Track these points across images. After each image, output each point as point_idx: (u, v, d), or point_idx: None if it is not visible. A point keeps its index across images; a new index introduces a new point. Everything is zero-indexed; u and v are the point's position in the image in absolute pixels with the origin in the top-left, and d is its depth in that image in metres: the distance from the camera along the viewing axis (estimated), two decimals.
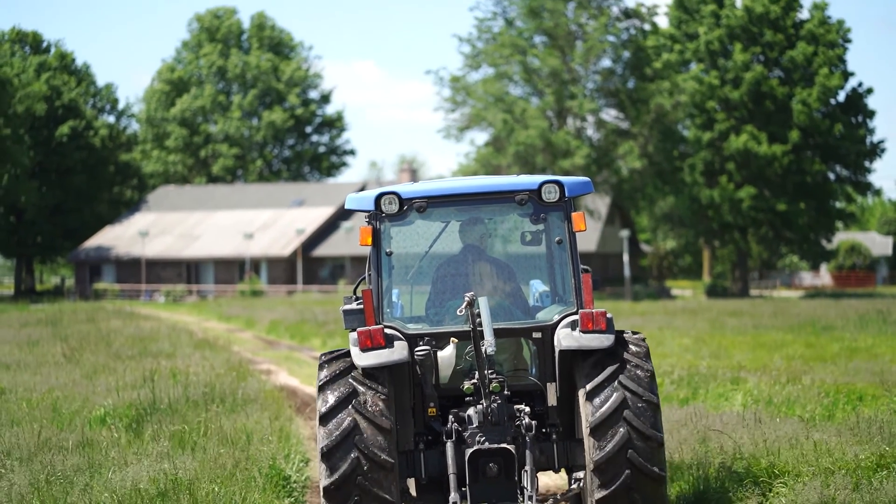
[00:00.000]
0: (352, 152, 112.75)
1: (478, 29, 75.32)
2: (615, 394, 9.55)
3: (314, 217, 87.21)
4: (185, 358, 24.16)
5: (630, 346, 9.91)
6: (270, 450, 13.76)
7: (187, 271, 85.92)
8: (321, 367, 9.90)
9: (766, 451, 12.22)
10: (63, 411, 16.51)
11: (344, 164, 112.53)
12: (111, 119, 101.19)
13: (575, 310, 10.11)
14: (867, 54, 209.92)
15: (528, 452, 9.66)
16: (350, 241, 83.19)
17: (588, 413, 9.56)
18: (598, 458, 9.43)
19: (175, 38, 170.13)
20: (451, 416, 9.97)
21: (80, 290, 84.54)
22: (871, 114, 77.13)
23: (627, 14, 74.84)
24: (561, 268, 10.41)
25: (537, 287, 10.66)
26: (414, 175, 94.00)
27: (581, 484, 9.92)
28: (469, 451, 9.60)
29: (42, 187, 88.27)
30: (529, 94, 74.36)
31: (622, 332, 10.14)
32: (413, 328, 10.21)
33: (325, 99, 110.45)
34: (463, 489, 9.60)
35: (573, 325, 9.88)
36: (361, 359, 9.66)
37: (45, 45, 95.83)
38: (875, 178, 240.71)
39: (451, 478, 9.58)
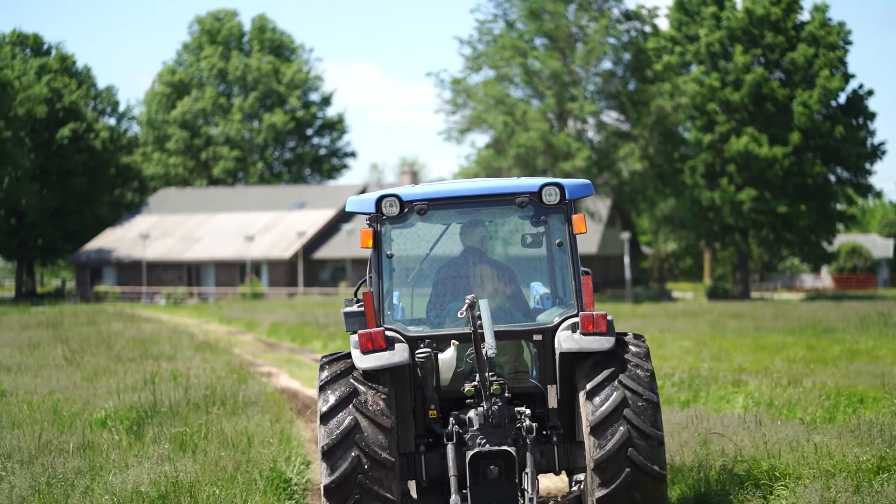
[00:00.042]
0: (352, 154, 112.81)
1: (478, 31, 75.41)
2: (615, 393, 9.57)
3: (315, 219, 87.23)
4: (185, 360, 24.17)
5: (630, 347, 9.93)
6: (271, 452, 13.77)
7: (188, 274, 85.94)
8: (322, 368, 9.92)
9: (767, 454, 12.22)
10: (64, 414, 16.51)
11: (345, 166, 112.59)
12: (112, 121, 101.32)
13: (575, 312, 10.12)
14: (868, 56, 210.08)
15: (528, 455, 9.66)
16: (351, 244, 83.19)
17: (588, 412, 9.57)
18: (599, 457, 9.44)
19: (176, 41, 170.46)
20: (451, 419, 9.98)
21: (81, 293, 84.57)
22: (871, 116, 77.11)
23: (628, 16, 74.89)
24: (561, 270, 10.42)
25: (538, 289, 10.66)
26: (415, 177, 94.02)
27: (582, 486, 9.92)
28: (470, 454, 9.60)
29: (43, 190, 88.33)
30: (530, 97, 74.41)
31: (623, 334, 10.14)
32: (414, 330, 10.22)
33: (326, 101, 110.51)
34: (464, 491, 9.60)
35: (574, 328, 9.89)
36: (362, 361, 9.67)
37: (45, 47, 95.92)
38: (876, 181, 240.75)
39: (452, 480, 9.58)
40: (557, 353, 9.93)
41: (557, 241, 10.37)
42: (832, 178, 77.15)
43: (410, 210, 10.26)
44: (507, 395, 9.87)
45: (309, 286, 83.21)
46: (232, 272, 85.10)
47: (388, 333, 9.89)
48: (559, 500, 10.25)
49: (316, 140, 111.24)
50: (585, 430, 9.59)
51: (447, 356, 10.14)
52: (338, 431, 9.46)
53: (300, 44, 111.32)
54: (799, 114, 73.53)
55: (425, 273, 10.64)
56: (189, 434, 14.43)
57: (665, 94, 71.70)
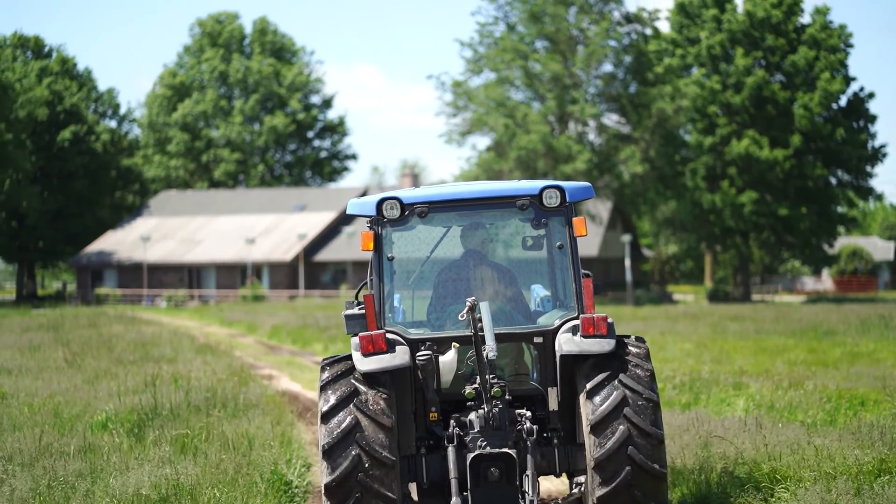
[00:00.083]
0: (353, 157, 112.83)
1: (479, 34, 75.43)
2: (615, 392, 9.59)
3: (316, 222, 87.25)
4: (186, 363, 24.17)
5: (630, 348, 9.96)
6: (272, 455, 13.77)
7: (189, 276, 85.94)
8: (323, 369, 9.94)
9: (768, 456, 12.22)
10: (64, 416, 16.53)
11: (346, 168, 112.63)
12: (113, 124, 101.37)
13: (576, 314, 10.14)
14: (869, 59, 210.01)
15: (529, 457, 9.67)
16: (352, 246, 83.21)
17: (588, 411, 9.59)
18: (599, 456, 9.46)
19: (177, 43, 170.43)
20: (452, 421, 9.99)
21: (82, 295, 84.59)
22: (872, 118, 77.13)
23: (629, 19, 74.91)
24: (562, 272, 10.43)
25: (538, 292, 10.67)
26: (415, 180, 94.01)
27: (582, 488, 9.93)
28: (470, 456, 9.61)
29: (44, 192, 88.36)
30: (531, 99, 74.43)
31: (623, 336, 10.15)
32: (415, 333, 10.22)
33: (327, 104, 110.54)
34: (464, 494, 9.61)
35: (574, 330, 9.90)
36: (363, 363, 9.68)
37: (46, 49, 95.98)
38: (877, 183, 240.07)
39: (453, 482, 9.59)
40: (558, 355, 9.94)
41: (558, 243, 10.38)
42: (833, 180, 77.17)
43: (411, 213, 10.27)
44: (507, 397, 9.88)
45: (310, 289, 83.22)
46: (233, 275, 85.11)
47: (389, 336, 9.90)
48: (560, 502, 10.25)
49: (317, 142, 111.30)
50: (585, 428, 9.60)
51: (448, 359, 10.15)
52: (338, 430, 9.47)
53: (301, 46, 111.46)
54: (800, 116, 73.55)
55: (426, 276, 10.64)
56: (190, 437, 14.43)
57: (666, 96, 71.71)
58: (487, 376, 9.62)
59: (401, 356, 9.75)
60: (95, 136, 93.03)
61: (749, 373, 21.60)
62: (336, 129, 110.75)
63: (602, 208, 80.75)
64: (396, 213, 10.23)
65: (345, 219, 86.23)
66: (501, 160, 70.95)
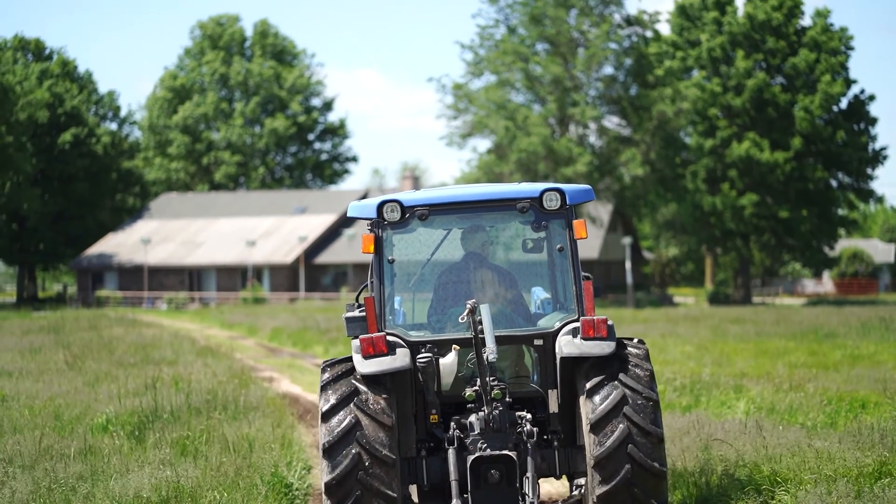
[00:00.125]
0: (354, 159, 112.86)
1: (480, 36, 75.45)
2: (615, 391, 9.62)
3: (316, 224, 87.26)
4: (187, 365, 24.16)
5: (629, 349, 10.00)
6: (272, 457, 13.77)
7: (189, 278, 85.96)
8: (324, 370, 9.97)
9: (768, 459, 12.23)
10: (65, 418, 16.53)
11: (346, 171, 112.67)
12: (113, 126, 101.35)
13: (576, 317, 10.16)
14: (869, 61, 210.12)
15: (529, 459, 9.68)
16: (352, 249, 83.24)
17: (588, 410, 9.62)
18: (599, 454, 9.47)
19: (178, 46, 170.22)
20: (452, 423, 10.01)
21: (83, 298, 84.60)
22: (873, 121, 77.15)
23: (629, 21, 74.93)
24: (562, 275, 10.45)
25: (539, 294, 10.69)
26: (416, 182, 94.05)
27: (582, 490, 9.94)
28: (471, 458, 9.63)
29: (44, 195, 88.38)
30: (531, 102, 74.45)
31: (623, 338, 10.17)
32: (415, 335, 10.24)
33: (328, 106, 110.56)
34: (465, 496, 9.62)
35: (574, 333, 9.92)
36: (364, 366, 9.69)
37: (47, 52, 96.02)
38: (877, 186, 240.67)
39: (453, 484, 9.61)
40: (558, 357, 9.96)
41: (558, 246, 10.40)
42: (833, 183, 77.19)
43: (412, 215, 10.28)
44: (507, 399, 9.90)
45: (310, 291, 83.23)
46: (233, 277, 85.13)
47: (390, 338, 9.92)
48: None
49: (317, 145, 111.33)
50: (585, 427, 9.62)
51: (448, 361, 10.16)
52: (339, 429, 9.49)
53: (302, 49, 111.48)
54: (800, 119, 73.56)
55: (426, 278, 10.66)
56: (190, 439, 14.44)
57: (666, 99, 71.72)
58: (488, 378, 9.64)
59: (401, 358, 9.77)
60: (96, 138, 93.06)
61: (749, 375, 21.60)
62: (337, 132, 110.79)
63: (602, 211, 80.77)
64: (397, 215, 10.24)
65: (345, 221, 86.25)
66: (502, 163, 70.97)
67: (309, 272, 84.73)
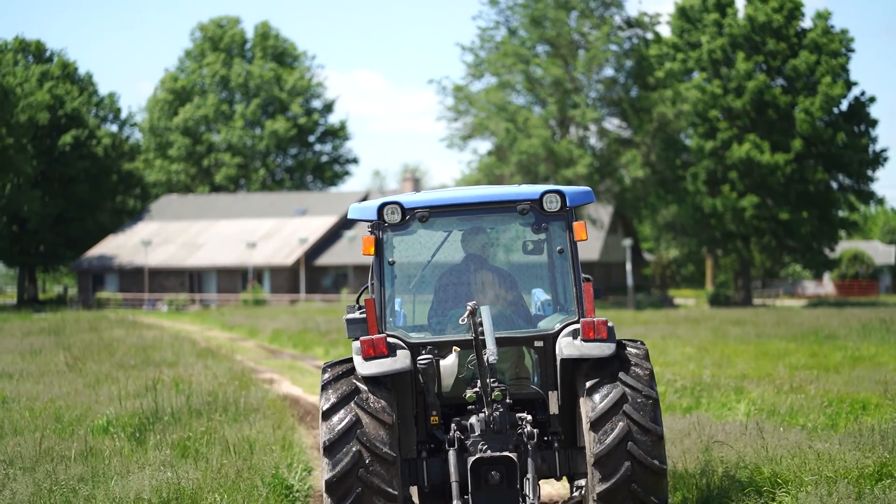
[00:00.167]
0: (355, 161, 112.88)
1: (480, 38, 75.47)
2: (615, 389, 9.64)
3: (317, 226, 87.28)
4: (187, 367, 24.17)
5: (629, 349, 10.02)
6: (273, 459, 13.78)
7: (190, 280, 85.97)
8: (324, 371, 9.99)
9: (769, 460, 12.23)
10: (65, 420, 16.53)
11: (347, 173, 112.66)
12: (114, 128, 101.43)
13: (576, 318, 10.17)
14: (870, 63, 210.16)
15: (529, 460, 9.69)
16: (353, 250, 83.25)
17: (588, 409, 9.64)
18: (599, 452, 9.49)
19: (178, 48, 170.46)
20: (453, 425, 10.01)
21: (83, 300, 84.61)
22: (873, 123, 77.19)
23: (630, 23, 74.95)
24: (562, 277, 10.46)
25: (539, 296, 10.69)
26: (417, 184, 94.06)
27: (583, 492, 9.95)
28: (471, 459, 9.63)
29: (45, 196, 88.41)
30: (532, 104, 74.47)
31: (622, 340, 10.19)
32: (415, 337, 10.25)
33: (328, 108, 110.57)
34: (465, 497, 9.64)
35: (574, 334, 9.93)
36: (364, 367, 9.70)
37: (48, 54, 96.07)
38: (878, 187, 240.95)
39: (454, 486, 9.62)
40: (558, 359, 9.97)
41: (558, 247, 10.41)
42: (834, 184, 77.23)
43: (412, 217, 10.29)
44: (508, 401, 9.91)
45: (311, 293, 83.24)
46: (234, 279, 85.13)
47: (390, 340, 9.92)
48: None
49: (318, 147, 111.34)
50: (585, 426, 9.63)
51: (449, 362, 10.16)
52: (339, 427, 9.50)
53: (302, 51, 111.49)
54: (801, 121, 73.58)
55: (427, 280, 10.67)
56: (191, 441, 14.44)
57: (667, 100, 71.74)
58: (488, 380, 9.65)
59: (402, 360, 9.77)
60: (96, 140, 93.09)
61: (750, 377, 21.60)
62: (337, 134, 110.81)
63: (603, 212, 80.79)
64: (397, 217, 10.25)
65: (346, 223, 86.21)
66: (502, 164, 70.99)
67: (309, 274, 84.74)
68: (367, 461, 9.43)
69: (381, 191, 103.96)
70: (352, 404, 9.59)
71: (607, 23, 72.88)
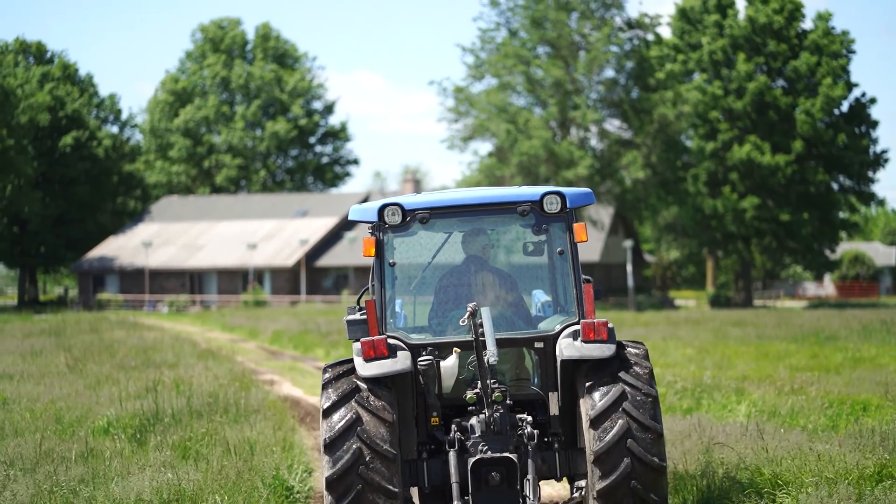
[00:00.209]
0: (355, 162, 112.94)
1: (481, 39, 75.47)
2: (614, 387, 9.65)
3: (317, 227, 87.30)
4: (188, 368, 24.18)
5: (629, 349, 10.04)
6: (274, 460, 13.78)
7: (190, 281, 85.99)
8: (325, 371, 10.00)
9: (770, 462, 12.23)
10: (66, 421, 16.54)
11: (347, 174, 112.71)
12: (114, 129, 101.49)
13: (577, 320, 10.17)
14: (871, 64, 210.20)
15: (530, 461, 9.70)
16: (353, 252, 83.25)
17: (588, 407, 9.65)
18: (599, 449, 9.50)
19: (179, 49, 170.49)
20: (453, 426, 10.02)
21: (84, 301, 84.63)
22: (874, 124, 77.19)
23: (630, 24, 74.95)
24: (563, 278, 10.46)
25: (539, 297, 10.70)
26: (417, 185, 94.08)
27: (583, 493, 9.96)
28: (471, 460, 9.64)
29: (45, 198, 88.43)
30: (532, 105, 74.47)
31: (622, 341, 10.19)
32: (416, 338, 10.25)
33: (329, 109, 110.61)
34: (466, 498, 9.64)
35: (575, 335, 9.94)
36: (365, 369, 9.70)
37: (48, 55, 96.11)
38: (878, 188, 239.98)
39: (454, 486, 9.62)
40: (559, 360, 9.98)
41: (559, 249, 10.41)
42: (835, 186, 77.23)
43: (413, 218, 10.29)
44: (508, 402, 9.91)
45: (311, 294, 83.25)
46: (234, 280, 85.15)
47: (391, 341, 9.93)
48: None
49: (319, 148, 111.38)
50: (585, 424, 9.65)
51: (449, 364, 10.16)
52: (339, 425, 9.51)
53: (303, 52, 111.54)
54: (801, 122, 73.58)
55: (427, 281, 10.67)
56: (192, 442, 14.44)
57: (667, 102, 71.75)
58: (488, 381, 9.66)
59: (402, 361, 9.78)
60: (97, 141, 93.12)
61: (751, 378, 21.59)
62: (338, 135, 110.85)
63: (604, 214, 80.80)
64: (398, 218, 10.25)
65: (346, 224, 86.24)
66: (503, 166, 71.00)
67: (310, 275, 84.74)
68: (367, 458, 9.44)
69: (382, 192, 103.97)
70: (352, 402, 9.60)
71: (608, 24, 72.88)
